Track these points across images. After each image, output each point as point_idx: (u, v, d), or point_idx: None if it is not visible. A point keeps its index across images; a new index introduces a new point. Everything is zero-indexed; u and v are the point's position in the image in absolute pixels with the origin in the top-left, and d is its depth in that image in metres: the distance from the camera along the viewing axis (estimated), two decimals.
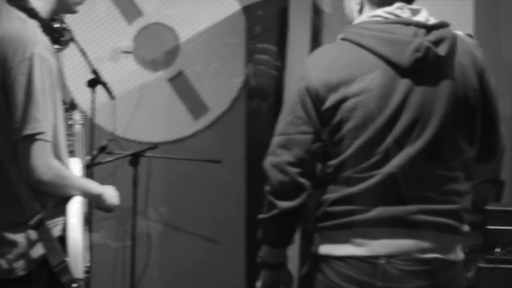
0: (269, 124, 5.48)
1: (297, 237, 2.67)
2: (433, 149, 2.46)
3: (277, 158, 2.51)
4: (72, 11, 2.90)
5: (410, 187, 2.46)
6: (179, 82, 5.54)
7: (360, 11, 2.58)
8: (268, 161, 2.55)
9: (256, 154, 5.39)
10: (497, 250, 3.92)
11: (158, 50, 5.56)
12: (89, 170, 4.35)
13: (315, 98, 2.46)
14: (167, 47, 5.56)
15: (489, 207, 4.05)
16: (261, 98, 5.55)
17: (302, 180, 2.51)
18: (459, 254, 2.56)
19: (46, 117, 2.61)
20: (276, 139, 2.54)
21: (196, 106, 5.55)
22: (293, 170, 2.50)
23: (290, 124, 2.51)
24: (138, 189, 4.80)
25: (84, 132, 3.49)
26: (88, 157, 4.36)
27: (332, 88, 2.45)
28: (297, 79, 2.54)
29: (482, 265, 3.94)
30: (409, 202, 2.46)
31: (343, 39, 2.53)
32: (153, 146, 4.91)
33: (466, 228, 2.56)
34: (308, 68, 2.52)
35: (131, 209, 4.73)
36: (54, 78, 2.68)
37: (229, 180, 5.51)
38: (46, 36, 2.74)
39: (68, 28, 2.92)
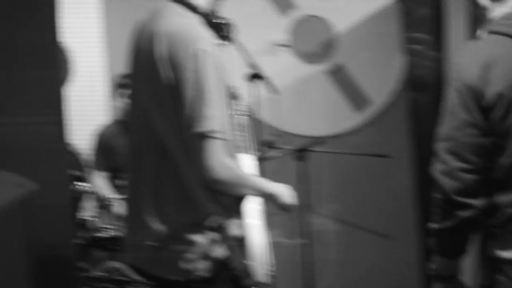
0: (432, 117, 5.27)
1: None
2: None
3: (447, 165, 2.46)
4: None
5: None
6: (338, 75, 5.43)
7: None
8: (438, 169, 2.49)
9: (422, 147, 5.21)
10: None
11: (314, 43, 5.46)
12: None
13: (474, 95, 2.43)
14: (323, 40, 5.46)
15: None
16: (421, 90, 5.38)
17: (478, 185, 2.45)
18: None
19: (216, 114, 2.52)
20: (442, 145, 2.49)
21: (357, 99, 5.44)
22: (467, 176, 2.45)
23: (455, 129, 2.46)
24: (305, 184, 4.67)
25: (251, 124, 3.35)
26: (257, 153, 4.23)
27: (490, 83, 2.42)
28: (451, 81, 2.51)
29: None
30: None
31: (491, 32, 2.52)
32: (322, 141, 4.80)
33: None
34: (462, 67, 2.49)
35: (299, 206, 4.58)
36: (221, 73, 2.58)
37: (395, 174, 5.36)
38: (209, 31, 2.65)
39: (230, 22, 2.82)
